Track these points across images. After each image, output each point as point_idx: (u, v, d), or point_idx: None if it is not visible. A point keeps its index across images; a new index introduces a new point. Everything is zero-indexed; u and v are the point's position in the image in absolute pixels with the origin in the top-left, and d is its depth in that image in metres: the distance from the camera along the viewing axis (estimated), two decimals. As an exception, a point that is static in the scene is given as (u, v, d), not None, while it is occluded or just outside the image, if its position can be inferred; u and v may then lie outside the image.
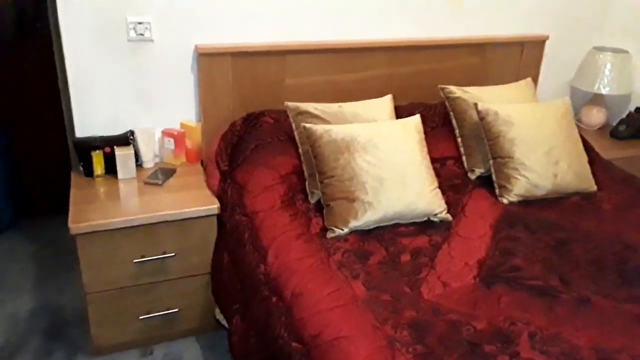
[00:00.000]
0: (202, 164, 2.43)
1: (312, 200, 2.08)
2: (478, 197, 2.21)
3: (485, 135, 2.30)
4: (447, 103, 2.49)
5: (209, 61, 2.30)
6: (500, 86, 2.59)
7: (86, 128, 2.29)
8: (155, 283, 2.14)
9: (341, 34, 2.52)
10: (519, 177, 2.20)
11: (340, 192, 1.94)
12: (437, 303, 1.59)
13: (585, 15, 3.06)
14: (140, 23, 2.20)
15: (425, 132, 2.17)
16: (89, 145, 2.23)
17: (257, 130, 2.33)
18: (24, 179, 3.13)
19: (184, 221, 2.08)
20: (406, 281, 1.69)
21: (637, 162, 2.85)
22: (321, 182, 2.00)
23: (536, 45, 2.93)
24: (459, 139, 2.44)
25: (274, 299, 1.67)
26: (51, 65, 2.70)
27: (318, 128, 2.02)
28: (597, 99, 3.11)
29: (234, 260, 2.01)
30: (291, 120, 2.20)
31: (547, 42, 2.94)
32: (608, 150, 2.80)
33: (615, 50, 2.99)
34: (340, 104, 2.23)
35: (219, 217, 2.14)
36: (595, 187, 2.32)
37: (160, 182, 2.23)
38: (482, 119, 2.29)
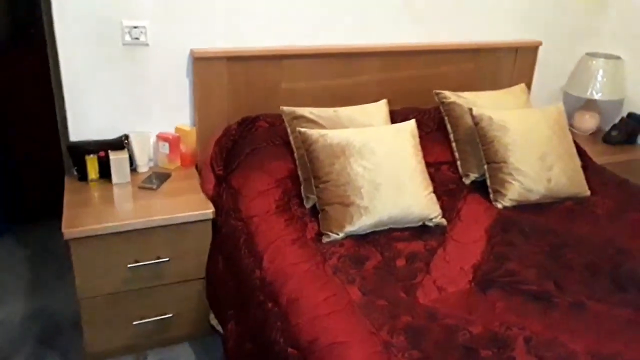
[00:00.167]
0: (196, 168, 2.43)
1: (308, 205, 2.08)
2: (472, 202, 2.22)
3: (480, 140, 2.31)
4: (441, 108, 2.50)
5: (205, 65, 2.30)
6: (494, 91, 2.61)
7: (80, 132, 2.27)
8: (150, 288, 2.13)
9: (337, 39, 2.52)
10: (513, 182, 2.21)
11: (335, 196, 1.94)
12: (433, 308, 1.60)
13: (578, 21, 3.09)
14: (135, 27, 2.19)
15: (420, 137, 2.18)
16: (83, 149, 2.21)
17: (252, 134, 2.33)
18: (17, 183, 3.11)
19: (178, 226, 2.07)
20: (402, 286, 1.69)
21: (630, 167, 2.88)
22: (316, 187, 2.00)
23: (530, 51, 2.95)
24: (454, 144, 2.45)
25: (269, 304, 1.67)
26: (45, 70, 2.68)
27: (313, 133, 2.02)
28: (589, 105, 3.14)
29: (229, 265, 2.00)
30: (286, 124, 2.20)
31: (541, 48, 2.96)
32: (601, 155, 2.82)
33: (608, 57, 3.02)
34: (335, 108, 2.23)
35: (214, 221, 2.13)
36: (588, 192, 2.33)
37: (154, 187, 2.22)
38: (476, 124, 2.31)
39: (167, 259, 2.10)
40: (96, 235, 1.95)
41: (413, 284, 1.70)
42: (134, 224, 2.00)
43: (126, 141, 2.29)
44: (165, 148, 2.37)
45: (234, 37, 2.36)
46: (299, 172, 2.14)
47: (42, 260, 2.85)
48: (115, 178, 2.23)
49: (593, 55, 3.05)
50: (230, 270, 1.99)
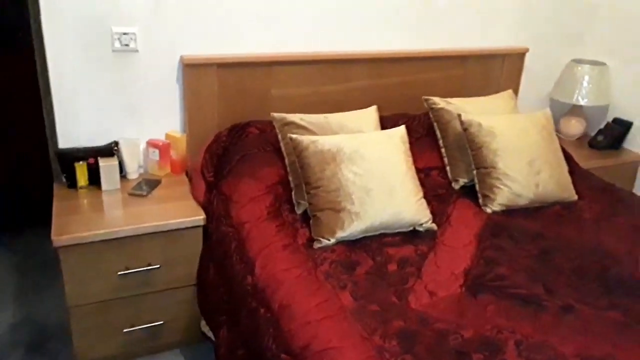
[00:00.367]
0: (187, 174, 2.42)
1: (299, 211, 2.09)
2: (462, 207, 2.24)
3: (469, 146, 2.33)
4: (430, 114, 2.52)
5: (195, 72, 2.30)
6: (482, 97, 2.64)
7: (69, 139, 2.26)
8: (140, 295, 2.12)
9: (327, 45, 2.54)
10: (502, 186, 2.23)
11: (326, 202, 1.95)
12: (425, 312, 1.61)
13: (564, 28, 3.14)
14: (125, 34, 2.19)
15: (410, 143, 2.19)
16: (72, 156, 2.20)
17: (243, 140, 2.33)
18: (5, 190, 3.08)
19: (169, 232, 2.06)
20: (393, 291, 1.70)
21: (615, 172, 2.92)
22: (308, 193, 2.01)
23: (517, 58, 2.99)
24: (443, 150, 2.47)
25: (261, 310, 1.67)
26: (32, 75, 2.66)
27: (304, 139, 2.03)
28: (575, 110, 3.18)
29: (221, 271, 2.00)
30: (277, 131, 2.21)
31: (527, 55, 3.00)
32: (587, 160, 2.86)
33: (593, 63, 3.07)
34: (326, 114, 2.25)
35: (205, 228, 2.13)
36: (575, 197, 2.36)
37: (145, 193, 2.21)
38: (465, 129, 2.33)
39: (157, 266, 2.09)
40: (86, 243, 1.94)
41: (405, 288, 1.71)
42: (124, 231, 1.99)
43: (116, 148, 2.28)
44: (155, 155, 2.36)
45: (224, 43, 2.36)
46: (290, 178, 2.15)
47: (31, 267, 2.82)
48: (104, 185, 2.22)
49: (579, 61, 3.10)
50: (221, 276, 1.99)
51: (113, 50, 2.20)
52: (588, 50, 3.20)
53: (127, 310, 2.12)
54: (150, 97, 2.33)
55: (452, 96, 2.57)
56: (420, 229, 2.04)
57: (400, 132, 2.17)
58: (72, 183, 2.23)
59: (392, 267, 1.82)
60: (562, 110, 3.21)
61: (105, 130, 2.30)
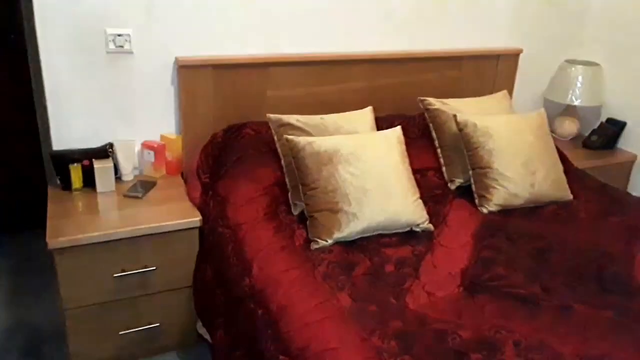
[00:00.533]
0: (182, 176, 2.41)
1: (295, 212, 2.08)
2: (458, 207, 2.24)
3: (465, 146, 2.33)
4: (426, 114, 2.53)
5: (190, 73, 2.29)
6: (477, 98, 2.65)
7: (63, 140, 2.24)
8: (136, 298, 2.11)
9: (322, 46, 2.54)
10: (498, 187, 2.23)
11: (323, 203, 1.95)
12: (423, 313, 1.61)
13: (558, 29, 3.15)
14: (119, 35, 2.18)
15: (406, 144, 2.19)
16: (66, 158, 2.18)
17: (239, 142, 2.32)
18: (-2, 192, 3.06)
19: (165, 234, 2.05)
20: (391, 291, 1.70)
21: (609, 171, 2.94)
22: (304, 194, 2.00)
23: (511, 58, 3.00)
24: (439, 150, 2.47)
25: (259, 312, 1.66)
26: (26, 77, 2.64)
27: (301, 140, 2.02)
28: (569, 110, 3.20)
29: (217, 273, 1.99)
30: (273, 132, 2.20)
31: (521, 55, 3.02)
32: (581, 160, 2.88)
33: (587, 63, 3.09)
34: (322, 115, 2.24)
35: (201, 229, 2.12)
36: (571, 196, 2.37)
37: (140, 195, 2.20)
38: (461, 130, 2.33)
39: (153, 267, 2.08)
40: (81, 245, 1.92)
41: (402, 289, 1.71)
42: (119, 233, 1.97)
43: (110, 149, 2.26)
44: (150, 156, 2.35)
45: (220, 44, 2.35)
46: (287, 180, 2.14)
47: (26, 270, 2.80)
48: (99, 187, 2.20)
49: (572, 62, 3.11)
50: (218, 278, 1.98)
51: (107, 52, 2.19)
52: (581, 51, 3.22)
53: (123, 312, 2.10)
54: (145, 99, 2.32)
55: (447, 97, 2.57)
56: (417, 229, 2.04)
57: (396, 132, 2.17)
58: (66, 185, 2.21)
59: (390, 267, 1.82)
60: (556, 111, 3.23)
61: (100, 131, 2.28)
